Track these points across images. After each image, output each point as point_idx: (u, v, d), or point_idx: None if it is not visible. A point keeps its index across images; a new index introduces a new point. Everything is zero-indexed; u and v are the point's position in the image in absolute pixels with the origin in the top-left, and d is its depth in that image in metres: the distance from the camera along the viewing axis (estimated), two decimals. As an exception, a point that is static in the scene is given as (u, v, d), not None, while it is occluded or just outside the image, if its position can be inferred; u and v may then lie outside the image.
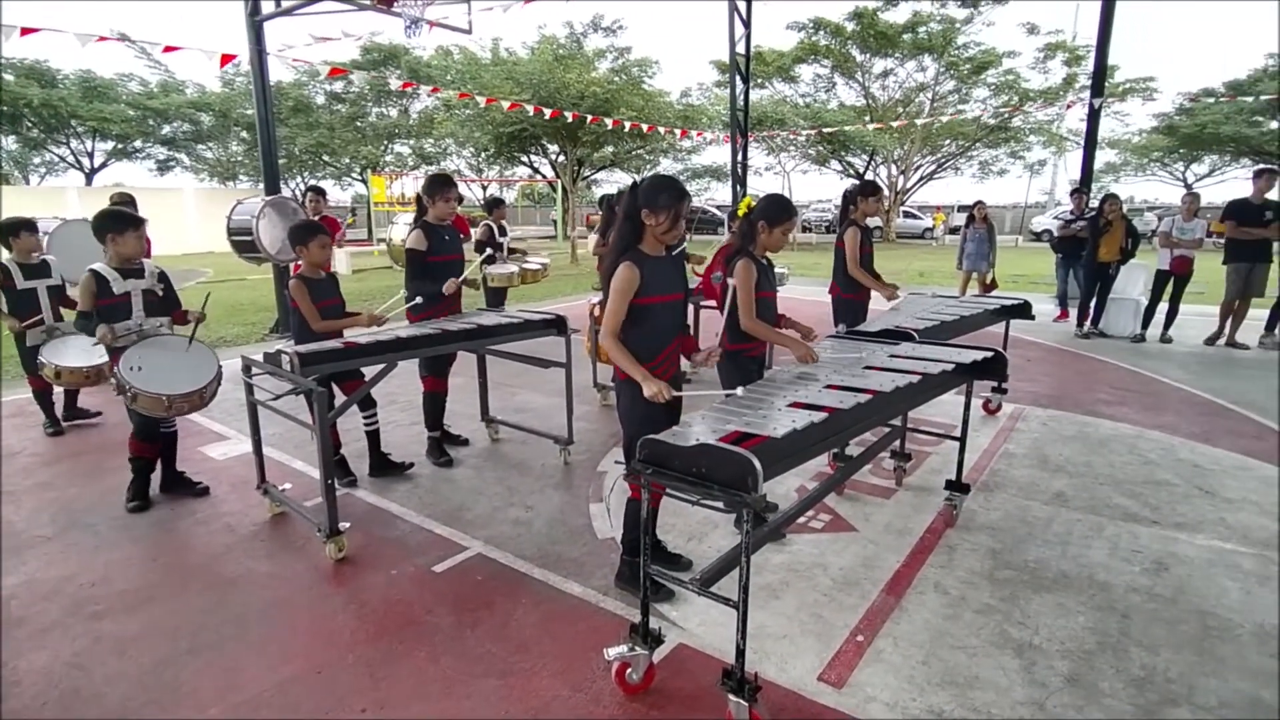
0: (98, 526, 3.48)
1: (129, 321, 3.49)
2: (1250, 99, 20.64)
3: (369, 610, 2.76)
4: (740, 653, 2.04)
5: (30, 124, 23.27)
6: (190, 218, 23.15)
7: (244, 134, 26.19)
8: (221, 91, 25.63)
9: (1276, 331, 7.48)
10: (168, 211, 22.06)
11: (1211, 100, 22.74)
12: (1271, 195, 7.15)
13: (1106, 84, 10.60)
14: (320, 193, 7.69)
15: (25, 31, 6.48)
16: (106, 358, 3.58)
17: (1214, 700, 2.25)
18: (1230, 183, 27.85)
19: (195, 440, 4.66)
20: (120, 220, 3.52)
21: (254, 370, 3.42)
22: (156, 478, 3.82)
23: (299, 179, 28.17)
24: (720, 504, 1.93)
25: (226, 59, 8.00)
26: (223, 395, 5.63)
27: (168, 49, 8.33)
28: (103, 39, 7.40)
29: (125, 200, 5.91)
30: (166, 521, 3.56)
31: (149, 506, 3.68)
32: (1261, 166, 7.96)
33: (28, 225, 4.71)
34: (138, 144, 26.42)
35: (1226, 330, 7.49)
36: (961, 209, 33.27)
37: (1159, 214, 24.01)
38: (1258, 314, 7.54)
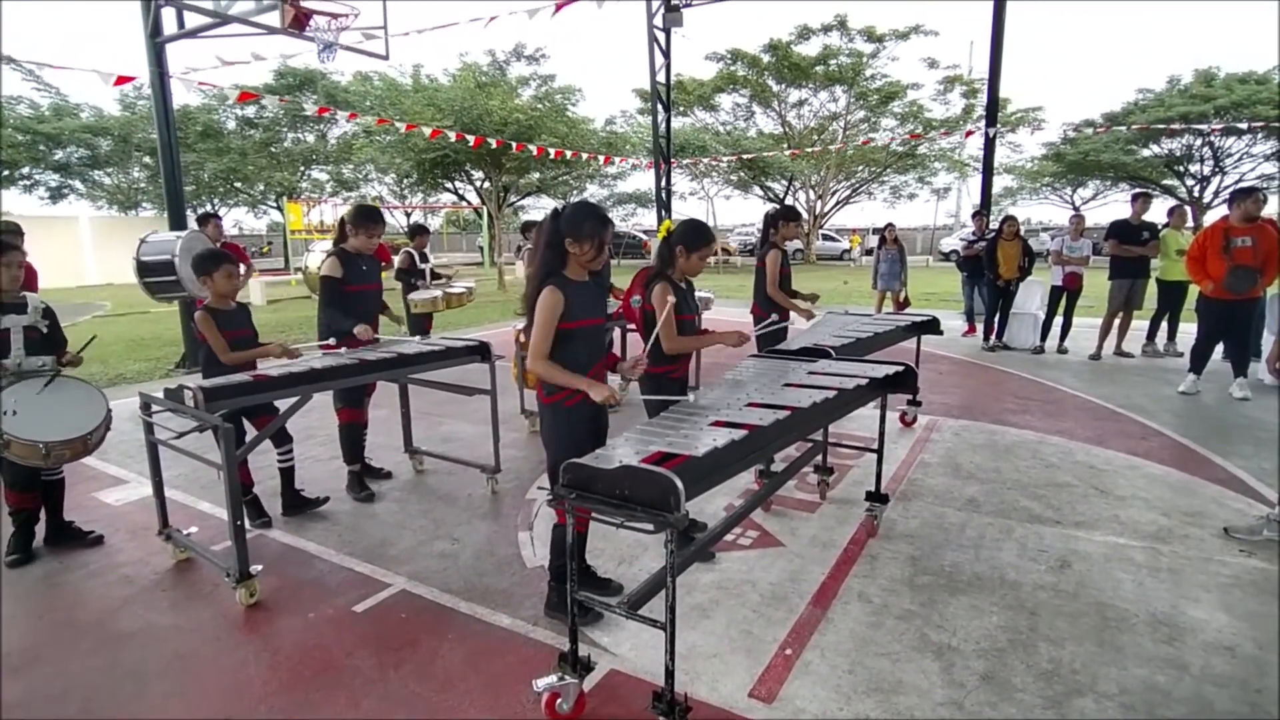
0: (-27, 585, 3.17)
1: (6, 360, 3.22)
2: (1124, 129, 22.58)
3: (283, 657, 2.61)
4: (669, 674, 2.04)
5: (-101, 149, 21.42)
6: (86, 248, 21.74)
7: (146, 159, 24.88)
8: (121, 115, 24.31)
9: (1157, 340, 8.14)
10: (61, 242, 20.69)
11: (1091, 130, 24.76)
12: (1148, 216, 7.82)
13: (1000, 114, 11.39)
14: (217, 218, 7.29)
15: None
16: None
17: (1114, 688, 2.39)
18: (1112, 205, 30.34)
19: (88, 485, 4.33)
20: None
21: (154, 407, 3.21)
22: (40, 531, 3.53)
23: (209, 206, 26.90)
24: (645, 525, 1.94)
25: (122, 80, 7.60)
26: (120, 436, 5.29)
27: (57, 68, 7.87)
28: (-17, 59, 6.92)
29: (11, 229, 5.49)
30: (54, 575, 3.28)
31: (32, 559, 3.39)
32: (1138, 190, 8.71)
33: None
34: (25, 170, 24.64)
35: (1109, 343, 8.08)
36: (875, 231, 34.88)
37: (1052, 234, 25.84)
38: (1139, 325, 8.19)
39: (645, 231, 30.20)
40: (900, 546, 3.45)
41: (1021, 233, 8.54)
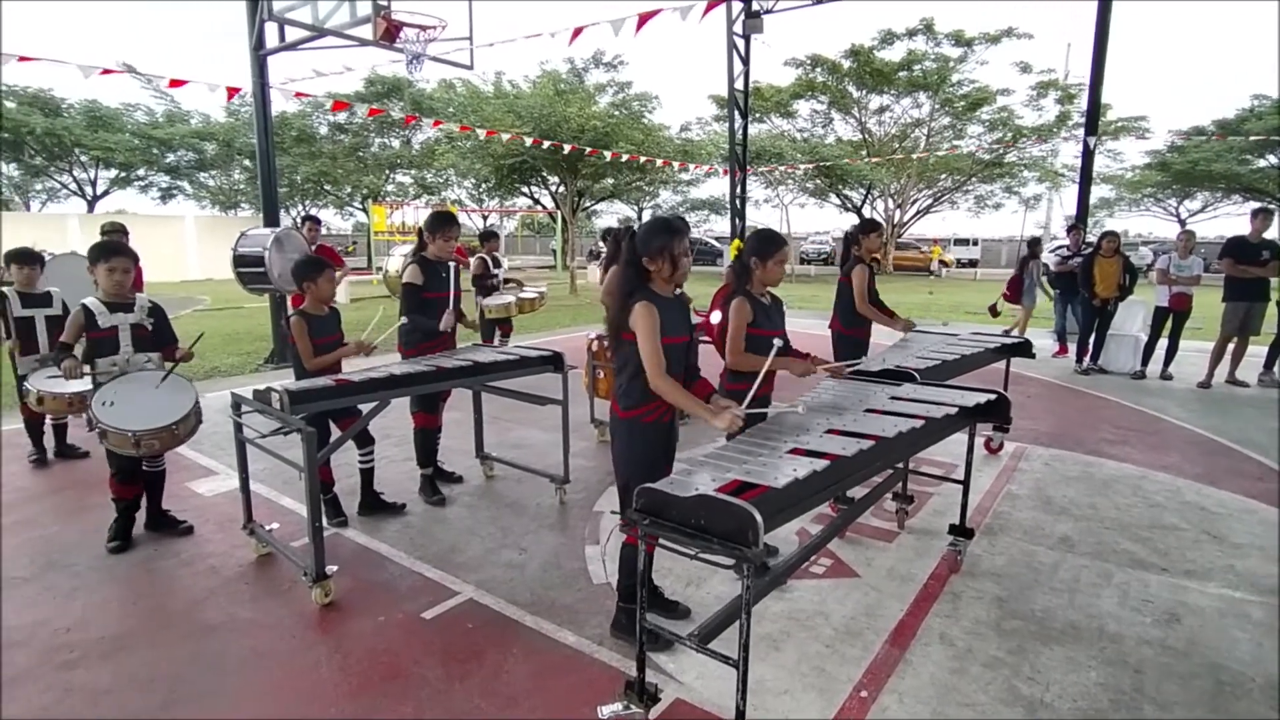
0: (77, 567, 3.38)
1: (115, 356, 3.44)
2: (1239, 138, 20.95)
3: (354, 661, 2.66)
4: (740, 715, 1.95)
5: (33, 151, 23.49)
6: (190, 245, 23.27)
7: (246, 162, 26.44)
8: (226, 122, 25.94)
9: (1275, 369, 7.45)
10: (169, 239, 22.23)
11: (1202, 138, 23.10)
12: (1269, 234, 7.18)
13: (1100, 122, 10.73)
14: (316, 221, 7.76)
15: (23, 59, 6.55)
16: (90, 386, 3.44)
17: (1234, 765, 2.15)
18: (1223, 219, 28.30)
19: (183, 475, 4.56)
20: (97, 251, 3.51)
21: (243, 408, 3.35)
22: (141, 516, 3.73)
23: (300, 207, 28.38)
24: (722, 560, 1.86)
25: (233, 92, 8.08)
26: (212, 428, 5.57)
27: (173, 83, 8.42)
28: (107, 71, 7.47)
29: (116, 229, 5.88)
30: (149, 562, 3.46)
31: (130, 547, 3.58)
32: (1258, 206, 8.02)
33: (31, 257, 4.77)
34: (141, 172, 26.63)
35: (1221, 371, 7.44)
36: (966, 241, 33.52)
37: (1154, 249, 24.23)
38: (1256, 351, 7.52)
39: (717, 238, 30.04)
40: (986, 585, 3.24)
41: (1121, 248, 7.98)
